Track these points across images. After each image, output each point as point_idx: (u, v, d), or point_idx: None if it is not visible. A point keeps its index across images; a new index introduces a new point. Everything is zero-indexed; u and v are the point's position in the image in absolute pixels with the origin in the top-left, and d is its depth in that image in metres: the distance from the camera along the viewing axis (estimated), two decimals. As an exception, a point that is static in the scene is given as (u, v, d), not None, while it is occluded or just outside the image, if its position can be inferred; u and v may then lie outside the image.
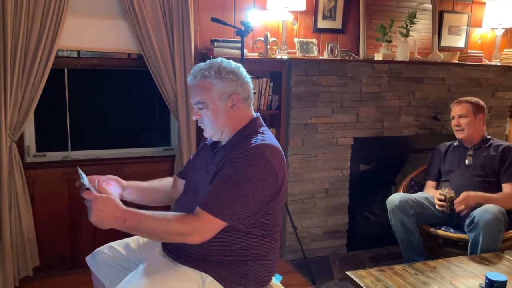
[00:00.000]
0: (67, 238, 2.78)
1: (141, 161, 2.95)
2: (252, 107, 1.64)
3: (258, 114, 1.66)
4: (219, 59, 1.59)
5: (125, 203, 1.42)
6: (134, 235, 1.66)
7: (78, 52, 2.77)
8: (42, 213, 2.70)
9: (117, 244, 1.75)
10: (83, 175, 1.46)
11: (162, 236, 1.45)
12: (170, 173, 2.87)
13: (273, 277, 1.69)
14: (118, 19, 2.72)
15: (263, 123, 1.65)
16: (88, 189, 1.35)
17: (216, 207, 1.41)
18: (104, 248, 1.74)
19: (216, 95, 1.53)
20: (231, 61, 1.59)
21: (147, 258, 1.63)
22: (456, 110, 2.85)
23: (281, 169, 1.51)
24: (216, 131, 1.58)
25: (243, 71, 1.59)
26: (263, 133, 1.57)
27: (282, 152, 1.56)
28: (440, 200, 2.59)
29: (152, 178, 1.84)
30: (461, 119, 2.81)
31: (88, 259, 1.76)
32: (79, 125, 2.88)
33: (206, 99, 1.53)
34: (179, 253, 1.56)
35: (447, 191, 2.58)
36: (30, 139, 2.75)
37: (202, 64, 1.57)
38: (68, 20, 2.56)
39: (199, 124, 1.62)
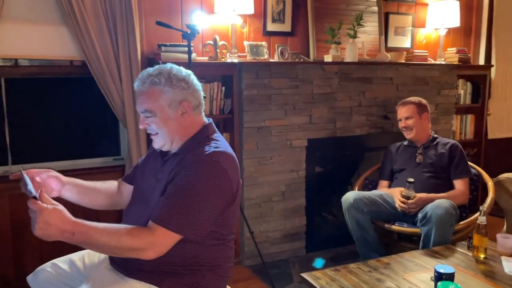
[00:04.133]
0: (10, 258, 2.61)
1: (90, 172, 2.82)
2: (203, 113, 1.58)
3: (211, 120, 1.61)
4: (169, 65, 1.52)
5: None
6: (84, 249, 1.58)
7: (16, 60, 2.62)
8: (-19, 233, 2.52)
9: (61, 261, 1.65)
10: (28, 180, 1.35)
11: (113, 251, 1.37)
12: (121, 184, 2.76)
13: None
14: (58, 24, 2.60)
15: (216, 129, 1.60)
16: (34, 197, 1.24)
17: (170, 220, 1.34)
18: (47, 266, 1.64)
19: (165, 103, 1.46)
20: (181, 67, 1.53)
21: (92, 274, 1.55)
22: (402, 112, 2.93)
23: (235, 177, 1.47)
24: (166, 140, 1.51)
25: (194, 78, 1.54)
26: (216, 140, 1.52)
27: (236, 159, 1.52)
28: (403, 201, 2.63)
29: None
30: (407, 120, 2.90)
31: (29, 278, 1.65)
32: (20, 137, 2.72)
33: (155, 107, 1.46)
34: (127, 266, 1.48)
35: (411, 193, 2.62)
36: (-35, 155, 2.57)
37: (151, 70, 1.50)
38: (3, 26, 2.43)
39: (148, 132, 1.54)
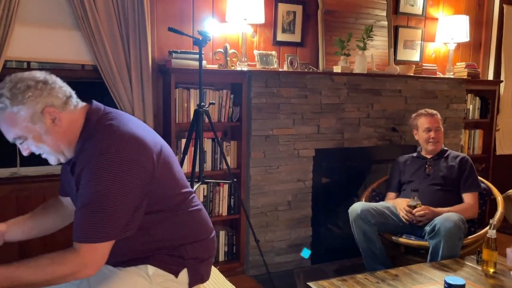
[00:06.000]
0: (17, 258, 2.60)
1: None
2: (78, 104, 1.37)
3: (93, 101, 1.40)
4: (6, 79, 1.29)
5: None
6: None
7: (28, 63, 2.65)
8: (-13, 234, 2.52)
9: None
10: None
11: (46, 284, 1.26)
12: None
13: (213, 256, 1.57)
14: (71, 29, 2.63)
15: (102, 109, 1.39)
16: None
17: (88, 234, 1.24)
18: None
19: (26, 122, 1.28)
20: (23, 74, 1.31)
21: None
22: (432, 122, 2.89)
23: (141, 154, 1.29)
24: (55, 155, 1.36)
25: (41, 76, 1.31)
26: (105, 126, 1.32)
27: (137, 132, 1.33)
28: (408, 211, 2.60)
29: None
30: (438, 131, 2.88)
31: None
32: (29, 139, 2.73)
33: (20, 132, 1.29)
34: (112, 260, 1.40)
35: (415, 202, 2.60)
36: (-26, 155, 2.59)
37: None
38: (17, 29, 2.46)
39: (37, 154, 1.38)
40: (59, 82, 1.35)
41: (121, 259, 1.41)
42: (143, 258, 1.42)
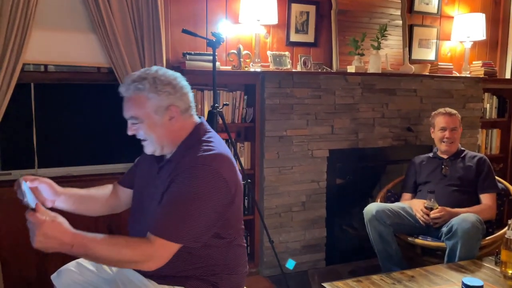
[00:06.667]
0: (34, 258, 2.65)
1: (115, 177, 2.82)
2: (193, 115, 1.53)
3: (202, 118, 1.57)
4: (154, 69, 1.46)
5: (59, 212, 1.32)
6: None
7: (45, 66, 2.70)
8: (6, 234, 2.56)
9: (87, 261, 1.63)
10: (27, 192, 1.32)
11: (113, 263, 1.38)
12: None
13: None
14: (87, 32, 2.67)
15: (208, 128, 1.54)
16: (33, 209, 1.22)
17: (167, 230, 1.32)
18: (71, 265, 1.63)
19: (151, 109, 1.41)
20: (168, 70, 1.47)
21: (118, 276, 1.54)
22: (448, 122, 2.83)
23: (232, 178, 1.42)
24: (155, 146, 1.47)
25: (181, 81, 1.47)
26: (208, 142, 1.46)
27: (232, 158, 1.47)
28: (425, 213, 2.58)
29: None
30: (453, 131, 2.83)
31: (53, 277, 1.65)
32: (47, 141, 2.78)
33: (141, 114, 1.42)
34: (149, 271, 1.45)
35: (432, 203, 2.57)
36: (-6, 157, 2.64)
37: (135, 74, 1.45)
38: (34, 33, 2.50)
39: (139, 138, 1.49)
40: (190, 91, 1.50)
41: (160, 272, 1.41)
42: (180, 278, 1.45)
